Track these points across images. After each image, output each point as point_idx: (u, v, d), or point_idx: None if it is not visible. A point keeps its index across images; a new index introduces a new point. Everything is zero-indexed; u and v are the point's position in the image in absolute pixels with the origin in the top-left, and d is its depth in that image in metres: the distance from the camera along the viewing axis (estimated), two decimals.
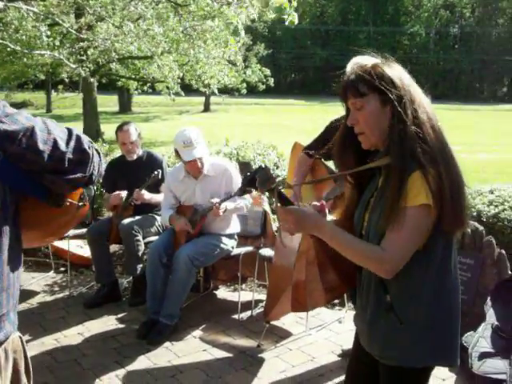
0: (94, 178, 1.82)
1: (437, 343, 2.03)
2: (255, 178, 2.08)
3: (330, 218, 2.38)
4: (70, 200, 1.85)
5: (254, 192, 4.11)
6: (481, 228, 4.59)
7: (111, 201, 5.11)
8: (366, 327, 2.15)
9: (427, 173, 1.87)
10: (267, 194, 2.06)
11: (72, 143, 1.73)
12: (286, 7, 4.99)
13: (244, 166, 2.02)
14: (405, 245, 1.91)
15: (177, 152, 4.59)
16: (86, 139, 1.79)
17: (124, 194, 5.07)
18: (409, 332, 2.01)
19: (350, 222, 2.17)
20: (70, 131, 1.76)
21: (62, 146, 1.69)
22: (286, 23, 5.15)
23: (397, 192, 1.90)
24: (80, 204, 1.88)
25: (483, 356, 3.56)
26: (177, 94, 15.52)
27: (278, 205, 2.06)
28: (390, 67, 2.03)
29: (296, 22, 5.11)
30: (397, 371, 2.08)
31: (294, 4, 5.08)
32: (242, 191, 2.17)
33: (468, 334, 3.79)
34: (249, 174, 2.14)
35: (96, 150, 1.85)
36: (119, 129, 5.24)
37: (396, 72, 2.02)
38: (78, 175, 1.74)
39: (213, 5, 5.42)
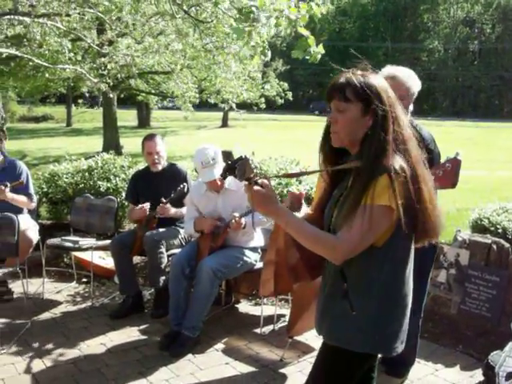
0: None
1: (380, 335, 2.20)
2: (235, 167, 2.18)
3: (305, 209, 2.56)
4: None
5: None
6: (507, 245, 4.57)
7: (136, 214, 5.14)
8: (320, 308, 2.35)
9: (394, 178, 2.02)
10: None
11: None
12: (311, 44, 4.87)
13: (226, 155, 2.11)
14: (358, 238, 2.07)
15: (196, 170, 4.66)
16: None
17: (148, 206, 5.09)
18: (358, 320, 2.17)
19: (321, 215, 2.34)
20: None
21: None
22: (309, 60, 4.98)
23: (361, 191, 2.06)
24: None
25: (511, 376, 3.51)
26: (189, 110, 15.83)
27: (247, 186, 2.18)
28: (378, 80, 2.18)
29: (319, 57, 4.96)
30: (333, 350, 2.26)
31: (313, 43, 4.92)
32: (223, 177, 2.28)
33: (494, 352, 3.72)
34: (230, 162, 2.23)
35: None
36: (146, 139, 5.29)
37: (384, 87, 2.18)
38: None
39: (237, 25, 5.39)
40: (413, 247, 2.24)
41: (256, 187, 2.16)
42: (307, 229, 2.16)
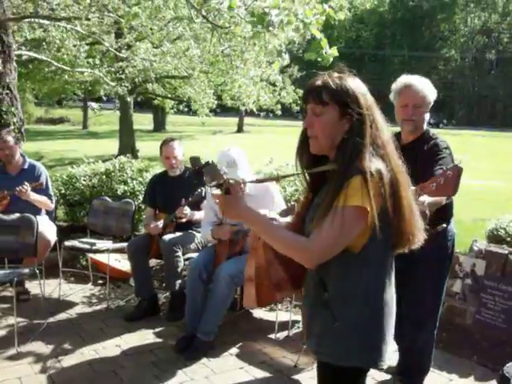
0: None
1: (364, 345, 2.11)
2: (202, 172, 2.16)
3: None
4: None
5: None
6: None
7: (149, 230, 5.19)
8: (305, 322, 2.27)
9: (368, 179, 1.94)
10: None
11: None
12: (323, 46, 4.87)
13: (193, 161, 2.09)
14: (330, 239, 2.00)
15: None
16: None
17: (161, 225, 5.14)
18: (341, 330, 2.09)
19: (302, 224, 2.26)
20: None
21: None
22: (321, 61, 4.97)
23: (334, 193, 1.99)
24: None
25: None
26: (207, 115, 16.04)
27: (219, 192, 2.15)
28: (356, 82, 2.12)
29: (331, 60, 4.95)
30: (329, 368, 2.17)
31: (326, 45, 4.91)
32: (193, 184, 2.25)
33: (510, 364, 3.71)
34: (197, 168, 2.20)
35: None
36: (164, 143, 5.33)
37: (362, 89, 2.11)
38: None
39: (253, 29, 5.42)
40: (393, 253, 2.17)
41: (226, 195, 2.13)
42: (279, 232, 2.12)
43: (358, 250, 2.05)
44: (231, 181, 2.13)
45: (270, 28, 5.02)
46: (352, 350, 2.10)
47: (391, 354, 2.19)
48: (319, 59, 4.89)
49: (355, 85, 2.09)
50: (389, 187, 2.00)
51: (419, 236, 2.14)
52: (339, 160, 2.05)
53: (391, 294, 2.17)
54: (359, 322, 2.10)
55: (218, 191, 2.15)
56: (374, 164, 1.98)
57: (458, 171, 2.60)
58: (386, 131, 2.12)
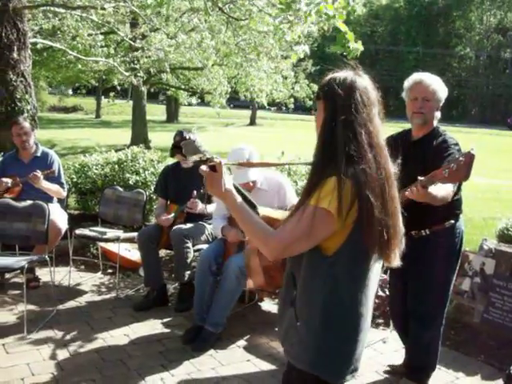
0: None
1: (323, 353, 2.03)
2: (181, 146, 2.14)
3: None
4: None
5: None
6: None
7: (160, 222, 5.21)
8: (278, 315, 2.23)
9: (342, 182, 1.87)
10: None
11: None
12: (350, 39, 4.84)
13: (177, 134, 2.06)
14: (292, 236, 1.95)
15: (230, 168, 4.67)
16: None
17: (172, 218, 5.17)
18: (301, 331, 2.04)
19: None
20: None
21: None
22: (347, 55, 4.91)
23: (307, 191, 1.97)
24: None
25: None
26: (223, 107, 15.91)
27: (205, 168, 2.12)
28: (342, 78, 2.00)
29: (358, 54, 4.93)
30: (290, 367, 2.12)
31: (352, 37, 4.90)
32: (170, 155, 2.23)
33: None
34: (177, 140, 2.18)
35: None
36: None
37: (348, 87, 1.98)
38: None
39: (271, 21, 5.43)
40: (372, 265, 2.04)
41: (210, 171, 2.10)
42: (249, 218, 2.05)
43: (330, 253, 1.97)
44: (216, 159, 2.09)
45: (297, 20, 5.01)
46: (310, 354, 2.04)
47: (355, 372, 2.08)
48: (345, 53, 4.88)
49: (339, 81, 1.99)
50: (364, 192, 1.89)
51: (393, 256, 2.02)
52: (315, 154, 2.02)
53: (363, 310, 2.05)
54: (320, 328, 2.01)
55: (205, 167, 2.15)
56: (351, 168, 1.90)
57: (470, 158, 2.60)
58: (370, 137, 1.96)
